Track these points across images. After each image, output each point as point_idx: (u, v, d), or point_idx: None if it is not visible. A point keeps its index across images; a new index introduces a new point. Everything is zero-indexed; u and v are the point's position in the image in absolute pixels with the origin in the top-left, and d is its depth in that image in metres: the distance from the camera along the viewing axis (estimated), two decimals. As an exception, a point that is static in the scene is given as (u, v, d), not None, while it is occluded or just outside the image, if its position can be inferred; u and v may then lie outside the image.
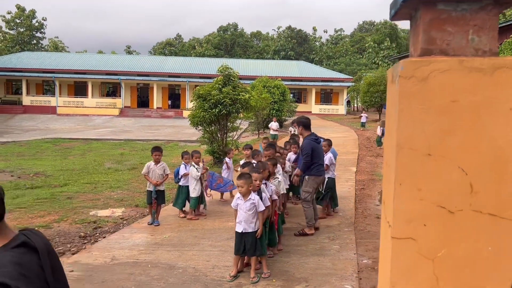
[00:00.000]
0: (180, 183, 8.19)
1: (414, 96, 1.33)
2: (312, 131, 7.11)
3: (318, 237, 6.71)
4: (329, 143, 8.31)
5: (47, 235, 7.63)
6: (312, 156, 6.79)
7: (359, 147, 19.15)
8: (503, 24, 16.40)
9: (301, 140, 7.36)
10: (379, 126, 23.24)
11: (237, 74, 13.38)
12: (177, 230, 7.19)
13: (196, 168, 8.06)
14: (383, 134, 22.06)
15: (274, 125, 22.31)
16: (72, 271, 5.38)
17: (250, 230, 4.95)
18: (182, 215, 8.07)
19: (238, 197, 5.03)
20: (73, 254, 6.41)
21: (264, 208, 5.00)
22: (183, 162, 8.29)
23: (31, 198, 10.28)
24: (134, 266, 5.55)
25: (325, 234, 6.89)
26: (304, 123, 7.01)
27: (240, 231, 4.96)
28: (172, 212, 8.46)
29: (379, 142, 20.18)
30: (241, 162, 7.72)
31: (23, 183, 12.19)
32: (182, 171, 8.18)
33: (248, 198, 4.96)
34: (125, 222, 8.11)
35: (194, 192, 7.96)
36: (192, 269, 5.39)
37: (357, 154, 16.82)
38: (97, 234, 7.45)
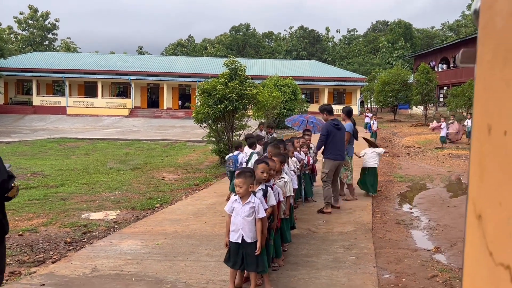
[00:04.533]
0: None
1: None
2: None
3: (331, 246, 5.85)
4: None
5: (31, 240, 6.92)
6: (328, 139, 7.53)
7: (374, 147, 18.19)
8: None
9: None
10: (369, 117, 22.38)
11: (245, 67, 12.55)
12: (172, 237, 6.39)
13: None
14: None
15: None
16: (44, 285, 4.61)
17: (249, 241, 4.11)
18: None
19: (235, 200, 4.19)
20: (53, 262, 5.66)
21: (265, 215, 4.14)
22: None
23: (22, 199, 9.57)
24: (115, 279, 4.75)
25: (339, 242, 6.02)
26: (328, 109, 7.93)
27: (236, 241, 4.12)
28: (169, 216, 7.68)
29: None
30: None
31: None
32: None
33: (247, 201, 4.12)
34: (116, 226, 7.35)
35: None
36: (182, 284, 4.58)
37: (372, 154, 15.87)
38: (85, 240, 6.71)
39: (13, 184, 3.53)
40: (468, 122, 20.10)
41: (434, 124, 19.78)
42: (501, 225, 0.63)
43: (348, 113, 8.97)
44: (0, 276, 3.61)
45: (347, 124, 8.71)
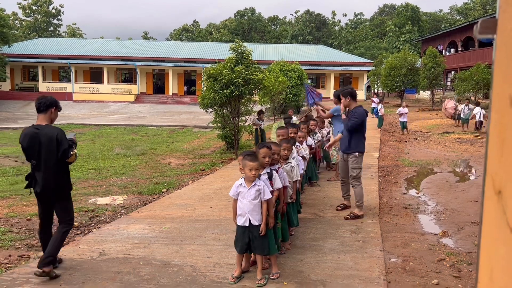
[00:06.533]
0: None
1: None
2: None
3: (338, 230, 5.85)
4: None
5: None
6: (363, 128, 6.63)
7: (381, 132, 18.10)
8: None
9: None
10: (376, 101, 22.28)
11: (251, 52, 12.43)
12: (179, 221, 6.41)
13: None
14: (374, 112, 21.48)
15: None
16: (52, 268, 4.64)
17: (257, 223, 4.11)
18: None
19: (240, 184, 4.17)
20: (61, 246, 5.71)
21: (271, 196, 4.13)
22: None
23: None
24: (123, 263, 4.79)
25: (345, 226, 6.02)
26: (352, 93, 6.61)
27: (243, 224, 4.12)
28: (175, 201, 7.71)
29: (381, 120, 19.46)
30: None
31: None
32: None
33: (253, 184, 4.10)
34: (124, 211, 7.39)
35: None
36: (189, 268, 4.61)
37: (379, 139, 15.81)
38: (92, 224, 6.75)
39: (72, 152, 4.49)
40: (465, 108, 19.41)
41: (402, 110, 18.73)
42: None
43: (338, 97, 8.66)
44: (71, 223, 4.72)
45: (335, 107, 8.82)
